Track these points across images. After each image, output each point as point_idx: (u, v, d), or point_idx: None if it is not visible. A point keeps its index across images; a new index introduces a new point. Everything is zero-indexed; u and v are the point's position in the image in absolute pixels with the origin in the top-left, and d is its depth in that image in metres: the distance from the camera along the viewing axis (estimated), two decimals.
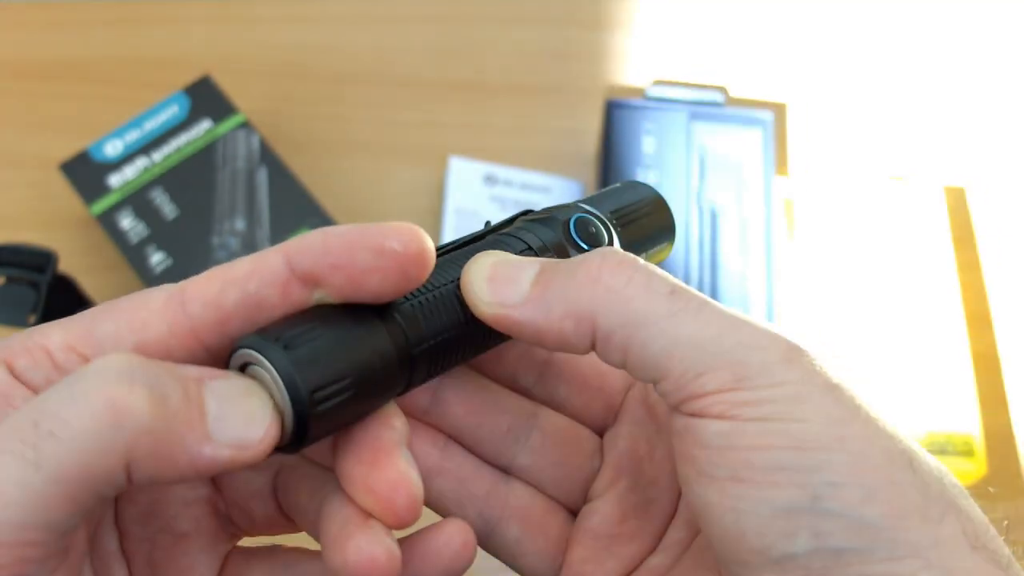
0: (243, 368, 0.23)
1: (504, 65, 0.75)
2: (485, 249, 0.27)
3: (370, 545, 0.22)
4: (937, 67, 0.76)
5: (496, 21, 0.77)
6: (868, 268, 0.64)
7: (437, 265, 0.25)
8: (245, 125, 0.66)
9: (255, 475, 0.27)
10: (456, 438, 0.29)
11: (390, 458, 0.23)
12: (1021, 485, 0.61)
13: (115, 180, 0.64)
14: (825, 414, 0.23)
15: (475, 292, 0.25)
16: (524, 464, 0.29)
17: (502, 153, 0.69)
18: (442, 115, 0.72)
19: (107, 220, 0.63)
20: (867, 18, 0.79)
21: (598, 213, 0.29)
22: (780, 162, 0.69)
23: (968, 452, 0.59)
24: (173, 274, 0.61)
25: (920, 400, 0.60)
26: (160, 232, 0.63)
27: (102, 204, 0.63)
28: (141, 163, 0.65)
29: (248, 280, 0.23)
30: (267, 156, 0.65)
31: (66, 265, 0.57)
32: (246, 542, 0.28)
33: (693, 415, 0.23)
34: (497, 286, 0.25)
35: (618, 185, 0.31)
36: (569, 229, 0.28)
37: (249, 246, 0.63)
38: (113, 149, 0.65)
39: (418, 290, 0.25)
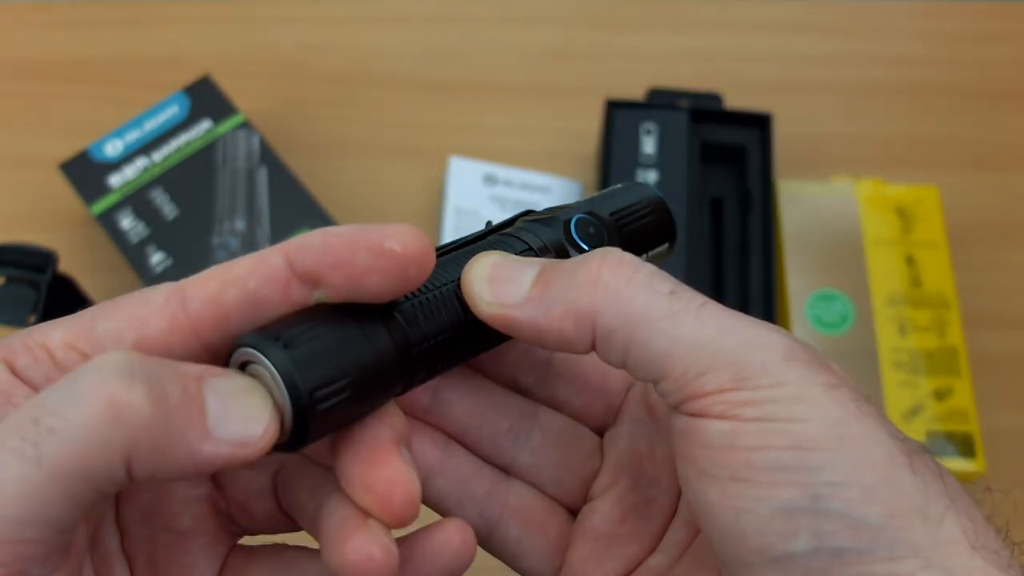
0: (243, 366, 0.23)
1: (504, 65, 0.75)
2: (486, 249, 0.27)
3: (368, 544, 0.22)
4: (936, 67, 0.76)
5: (496, 21, 0.77)
6: (868, 268, 0.64)
7: (437, 265, 0.25)
8: (245, 125, 0.66)
9: (256, 474, 0.27)
10: (456, 438, 0.29)
11: (388, 457, 0.23)
12: (1021, 485, 0.61)
13: (115, 180, 0.64)
14: (825, 414, 0.23)
15: (475, 292, 0.25)
16: (524, 464, 0.29)
17: (502, 153, 0.69)
18: (442, 115, 0.72)
19: (107, 220, 0.63)
20: (867, 18, 0.79)
21: (599, 214, 0.29)
22: (780, 162, 0.69)
23: (968, 452, 0.59)
24: (173, 274, 0.61)
25: (920, 400, 0.60)
26: (160, 232, 0.63)
27: (102, 204, 0.63)
28: (141, 163, 0.65)
29: (248, 278, 0.23)
30: (267, 156, 0.65)
31: (66, 265, 0.57)
32: (247, 541, 0.28)
33: (693, 415, 0.23)
34: (497, 286, 0.25)
35: (619, 186, 0.31)
36: (570, 230, 0.28)
37: (249, 246, 0.63)
38: (113, 149, 0.65)
39: (418, 290, 0.25)
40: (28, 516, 0.19)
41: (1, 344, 0.23)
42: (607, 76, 0.74)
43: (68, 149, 0.65)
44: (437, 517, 0.26)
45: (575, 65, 0.75)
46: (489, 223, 0.29)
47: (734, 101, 0.69)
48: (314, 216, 0.64)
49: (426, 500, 0.28)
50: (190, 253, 0.62)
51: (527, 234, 0.28)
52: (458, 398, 0.29)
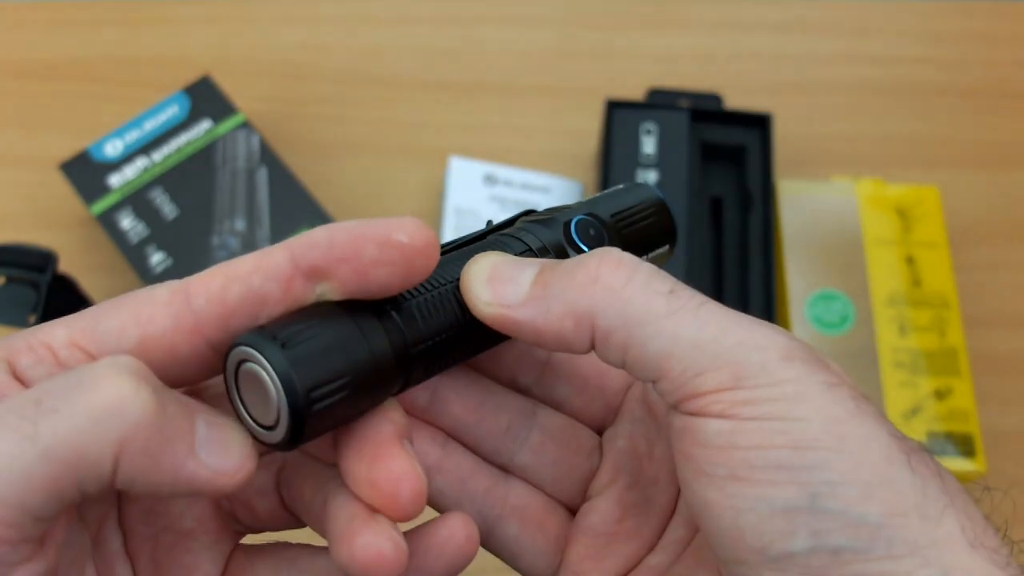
0: (240, 365, 0.23)
1: (504, 65, 0.75)
2: (485, 249, 0.27)
3: (377, 539, 0.22)
4: (936, 67, 0.76)
5: (496, 21, 0.77)
6: (868, 268, 0.64)
7: (437, 265, 0.25)
8: (245, 125, 0.66)
9: (259, 472, 0.27)
10: (455, 436, 0.29)
11: (391, 452, 0.23)
12: (1021, 484, 0.61)
13: (115, 180, 0.64)
14: (824, 413, 0.23)
15: (474, 292, 0.25)
16: (523, 462, 0.29)
17: (502, 153, 0.69)
18: (442, 115, 0.73)
19: (107, 220, 0.63)
20: (867, 18, 0.79)
21: (599, 215, 0.29)
22: (780, 162, 0.69)
23: (968, 452, 0.59)
24: (173, 274, 0.61)
25: (920, 400, 0.60)
26: (160, 232, 0.63)
27: (102, 204, 0.63)
28: (141, 163, 0.65)
29: (252, 275, 0.23)
30: (267, 156, 0.65)
31: (66, 265, 0.57)
32: (250, 539, 0.28)
33: (692, 414, 0.23)
34: (496, 286, 0.25)
35: (620, 187, 0.31)
36: (570, 231, 0.28)
37: (249, 246, 0.63)
38: (113, 149, 0.65)
39: (417, 289, 0.25)
40: (10, 496, 0.20)
41: (3, 343, 0.23)
42: (607, 76, 0.74)
43: (68, 149, 0.65)
44: (436, 516, 0.26)
45: (575, 65, 0.75)
46: (489, 223, 0.29)
47: (734, 101, 0.69)
48: (314, 216, 0.64)
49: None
50: (190, 253, 0.62)
51: (527, 235, 0.28)
52: (457, 397, 0.29)
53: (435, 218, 0.67)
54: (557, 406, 0.30)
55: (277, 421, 0.22)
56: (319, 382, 0.22)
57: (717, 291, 0.65)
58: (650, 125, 0.66)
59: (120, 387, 0.20)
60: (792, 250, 0.65)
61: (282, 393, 0.22)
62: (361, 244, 0.23)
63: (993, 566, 0.22)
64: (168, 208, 0.63)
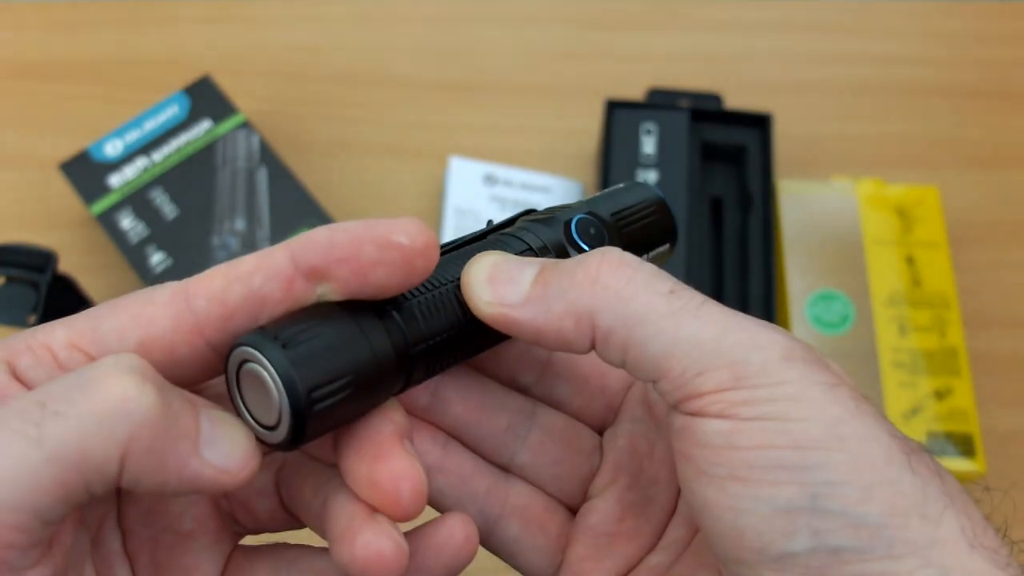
0: (241, 366, 0.23)
1: (504, 65, 0.75)
2: (485, 249, 0.27)
3: (377, 539, 0.22)
4: (936, 67, 0.76)
5: (496, 21, 0.77)
6: (868, 268, 0.64)
7: (438, 264, 0.25)
8: (245, 125, 0.66)
9: (258, 472, 0.27)
10: (456, 436, 0.29)
11: (392, 451, 0.23)
12: (1020, 485, 0.61)
13: (115, 180, 0.64)
14: (824, 413, 0.23)
15: (475, 291, 0.25)
16: (524, 462, 0.29)
17: (502, 153, 0.69)
18: (442, 115, 0.73)
19: (107, 220, 0.63)
20: (867, 18, 0.79)
21: (600, 214, 0.29)
22: (780, 162, 0.69)
23: (968, 452, 0.59)
24: (173, 274, 0.61)
25: (920, 400, 0.60)
26: (160, 232, 0.63)
27: (102, 204, 0.63)
28: (141, 163, 0.65)
29: (252, 276, 0.23)
30: (267, 156, 0.65)
31: (66, 265, 0.57)
32: (249, 540, 0.28)
33: (692, 414, 0.23)
34: (497, 286, 0.25)
35: (620, 186, 0.31)
36: (570, 230, 0.28)
37: (249, 246, 0.63)
38: (113, 149, 0.65)
39: (418, 289, 0.25)
40: (18, 500, 0.20)
41: (3, 344, 0.23)
42: (607, 76, 0.74)
43: (68, 149, 0.65)
44: (436, 516, 0.26)
45: (575, 65, 0.75)
46: (490, 222, 0.29)
47: (734, 101, 0.69)
48: (314, 216, 0.64)
49: None
50: (190, 253, 0.62)
51: (527, 234, 0.28)
52: (458, 396, 0.29)
53: (435, 218, 0.67)
54: (557, 406, 0.30)
55: (279, 421, 0.22)
56: (321, 382, 0.22)
57: (717, 291, 0.65)
58: (650, 125, 0.66)
59: (124, 387, 0.20)
60: (792, 250, 0.65)
61: (283, 393, 0.22)
62: (360, 245, 0.23)
63: (993, 566, 0.22)
64: (168, 208, 0.63)
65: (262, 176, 0.65)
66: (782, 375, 0.23)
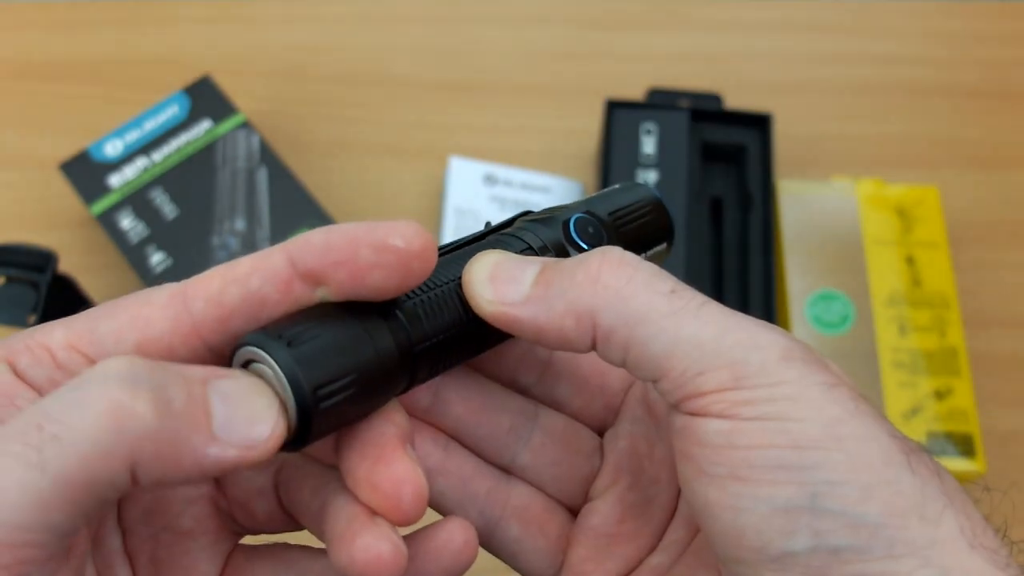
0: (245, 366, 0.23)
1: (504, 65, 0.75)
2: (486, 249, 0.27)
3: (376, 542, 0.22)
4: (937, 67, 0.76)
5: (496, 21, 0.77)
6: (867, 268, 0.64)
7: (439, 264, 0.25)
8: (245, 125, 0.66)
9: (257, 473, 0.27)
10: (457, 437, 0.29)
11: (394, 455, 0.23)
12: (1020, 485, 0.61)
13: (115, 180, 0.64)
14: (823, 413, 0.23)
15: (477, 290, 0.25)
16: (525, 463, 0.29)
17: (502, 153, 0.69)
18: (442, 115, 0.73)
19: (107, 220, 0.63)
20: (867, 18, 0.79)
21: (598, 214, 0.29)
22: (780, 162, 0.69)
23: (968, 452, 0.59)
24: (173, 274, 0.61)
25: (920, 400, 0.60)
26: (160, 232, 0.63)
27: (102, 204, 0.63)
28: (141, 163, 0.65)
29: (250, 278, 0.23)
30: (267, 156, 0.65)
31: (66, 265, 0.57)
32: (249, 540, 0.28)
33: (693, 414, 0.24)
34: (499, 284, 0.25)
35: (617, 186, 0.31)
36: (569, 229, 0.28)
37: (249, 246, 0.63)
38: (113, 149, 0.65)
39: (420, 288, 0.25)
40: (30, 522, 0.19)
41: (2, 344, 0.23)
42: (607, 76, 0.74)
43: (68, 149, 0.65)
44: (437, 517, 0.26)
45: (575, 65, 0.75)
46: (488, 224, 0.29)
47: (734, 101, 0.69)
48: (314, 216, 0.64)
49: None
50: (190, 253, 0.62)
51: (527, 234, 0.28)
52: (459, 398, 0.29)
53: (435, 218, 0.67)
54: (558, 406, 0.30)
55: None
56: (325, 380, 0.22)
57: (717, 291, 0.65)
58: (650, 125, 0.66)
59: (117, 401, 0.20)
60: (792, 250, 0.65)
61: (289, 392, 0.22)
62: (357, 248, 0.23)
63: (992, 566, 0.22)
64: (168, 208, 0.63)
65: (262, 176, 0.65)
66: (782, 375, 0.23)
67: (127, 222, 0.63)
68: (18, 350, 0.23)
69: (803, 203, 0.67)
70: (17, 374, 0.22)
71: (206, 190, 0.64)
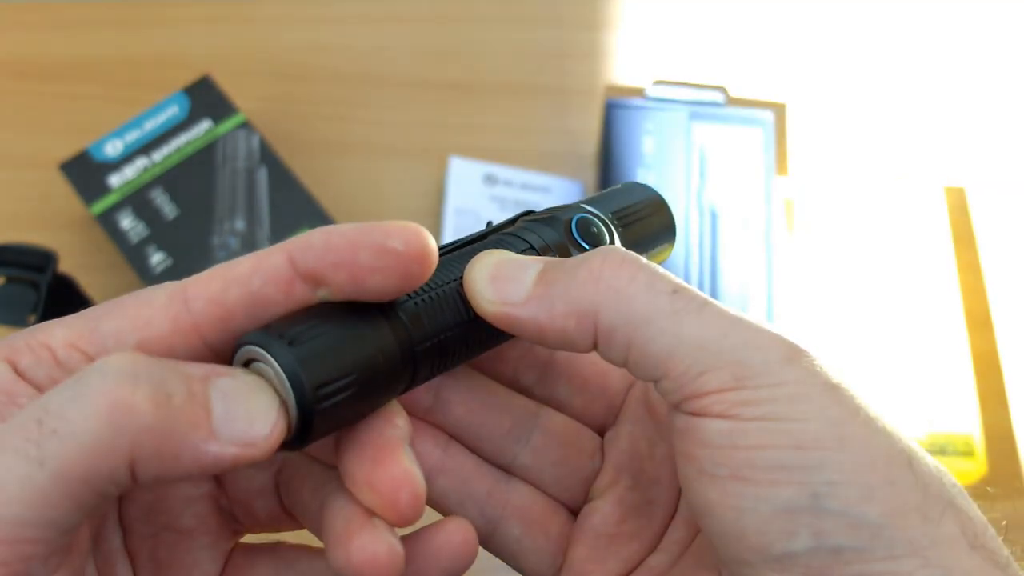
0: (247, 365, 0.23)
1: (504, 65, 0.75)
2: (488, 248, 0.27)
3: (373, 543, 0.22)
4: (937, 66, 0.76)
5: (496, 21, 0.77)
6: (868, 268, 0.64)
7: (440, 264, 0.25)
8: (245, 125, 0.66)
9: (257, 472, 0.27)
10: (458, 437, 0.29)
11: (393, 456, 0.23)
12: (1020, 485, 0.61)
13: (115, 180, 0.64)
14: (825, 414, 0.23)
15: (478, 290, 0.25)
16: (525, 463, 0.29)
17: (502, 153, 0.69)
18: (442, 115, 0.73)
19: (107, 220, 0.63)
20: (867, 17, 0.79)
21: (599, 213, 0.29)
22: (780, 162, 0.69)
23: (968, 452, 0.59)
24: (173, 274, 0.61)
25: (920, 400, 0.60)
26: (160, 232, 0.63)
27: (102, 204, 0.63)
28: (141, 163, 0.65)
29: (251, 277, 0.23)
30: (267, 156, 0.65)
31: (66, 265, 0.57)
32: (249, 539, 0.28)
33: (694, 414, 0.23)
34: (500, 284, 0.25)
35: (619, 186, 0.31)
36: (571, 229, 0.28)
37: (249, 246, 0.63)
38: (113, 149, 0.65)
39: (421, 288, 0.25)
40: (30, 517, 0.19)
41: (3, 343, 0.23)
42: (607, 76, 0.74)
43: (68, 149, 0.65)
44: (438, 517, 0.26)
45: (575, 65, 0.75)
46: (490, 223, 0.29)
47: (735, 100, 0.69)
48: (314, 216, 0.64)
49: (427, 500, 0.28)
50: (190, 253, 0.62)
51: (529, 233, 0.28)
52: (459, 398, 0.29)
53: (435, 218, 0.67)
54: (558, 406, 0.30)
55: None
56: (327, 379, 0.22)
57: (717, 291, 0.64)
58: (650, 125, 0.66)
59: (117, 396, 0.20)
60: (792, 250, 0.65)
61: (289, 391, 0.22)
62: (357, 250, 0.22)
63: (993, 567, 0.22)
64: (168, 208, 0.63)
65: (262, 176, 0.65)
66: (783, 375, 0.23)
67: (127, 222, 0.63)
68: (19, 349, 0.23)
69: (803, 202, 0.67)
70: (18, 373, 0.22)
71: (206, 190, 0.64)
